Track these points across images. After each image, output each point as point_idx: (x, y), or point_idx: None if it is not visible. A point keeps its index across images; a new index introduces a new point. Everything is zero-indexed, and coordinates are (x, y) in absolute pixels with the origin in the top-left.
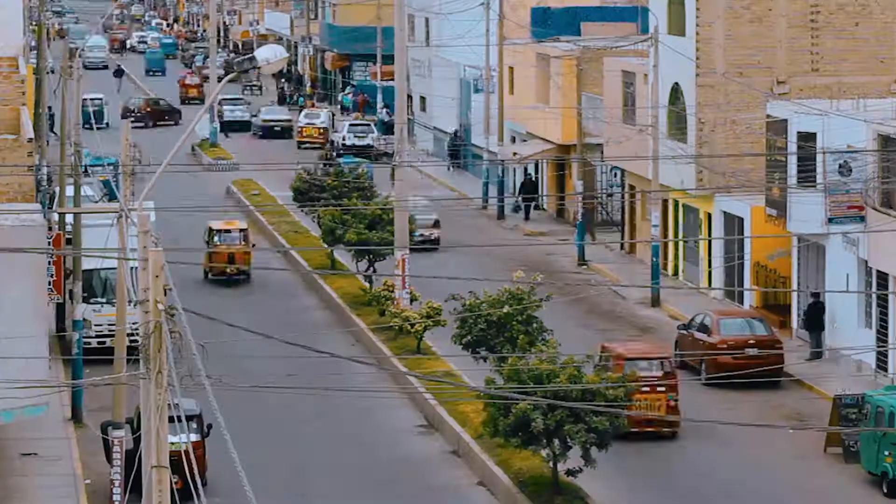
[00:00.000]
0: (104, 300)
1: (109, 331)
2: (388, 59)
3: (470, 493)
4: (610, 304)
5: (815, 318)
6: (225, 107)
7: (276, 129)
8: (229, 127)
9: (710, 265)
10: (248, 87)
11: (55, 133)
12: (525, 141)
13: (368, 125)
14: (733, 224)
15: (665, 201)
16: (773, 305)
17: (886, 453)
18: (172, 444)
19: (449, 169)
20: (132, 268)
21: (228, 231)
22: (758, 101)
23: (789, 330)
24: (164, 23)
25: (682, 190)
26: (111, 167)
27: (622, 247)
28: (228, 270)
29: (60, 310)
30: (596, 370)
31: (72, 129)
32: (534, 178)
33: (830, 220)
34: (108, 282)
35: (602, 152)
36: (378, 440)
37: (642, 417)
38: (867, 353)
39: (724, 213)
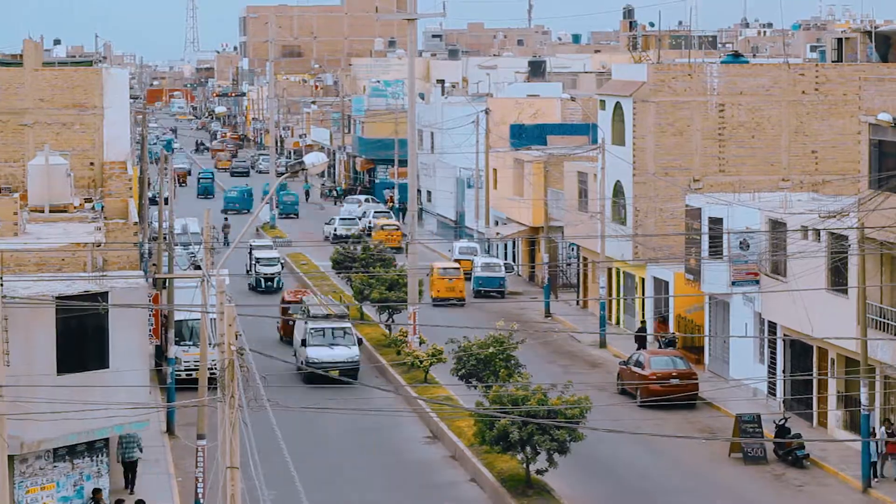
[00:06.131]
0: (191, 343)
1: (195, 366)
2: (403, 162)
3: (464, 488)
4: (569, 346)
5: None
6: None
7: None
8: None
9: (643, 316)
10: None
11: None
12: (505, 224)
13: (388, 212)
14: (661, 286)
15: (610, 269)
16: (690, 347)
17: None
18: None
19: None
20: (212, 319)
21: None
22: (679, 194)
23: (702, 365)
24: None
25: (623, 261)
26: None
27: (578, 303)
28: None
29: (158, 350)
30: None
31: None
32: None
33: (733, 283)
34: (194, 329)
35: (563, 232)
36: (394, 447)
37: None
38: (760, 383)
39: (654, 277)
